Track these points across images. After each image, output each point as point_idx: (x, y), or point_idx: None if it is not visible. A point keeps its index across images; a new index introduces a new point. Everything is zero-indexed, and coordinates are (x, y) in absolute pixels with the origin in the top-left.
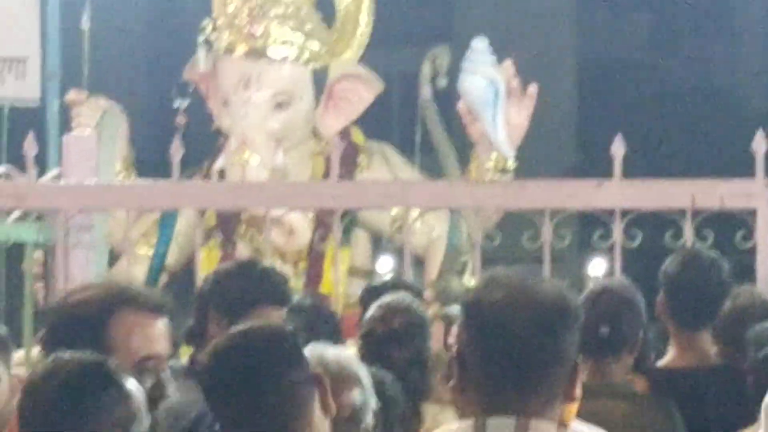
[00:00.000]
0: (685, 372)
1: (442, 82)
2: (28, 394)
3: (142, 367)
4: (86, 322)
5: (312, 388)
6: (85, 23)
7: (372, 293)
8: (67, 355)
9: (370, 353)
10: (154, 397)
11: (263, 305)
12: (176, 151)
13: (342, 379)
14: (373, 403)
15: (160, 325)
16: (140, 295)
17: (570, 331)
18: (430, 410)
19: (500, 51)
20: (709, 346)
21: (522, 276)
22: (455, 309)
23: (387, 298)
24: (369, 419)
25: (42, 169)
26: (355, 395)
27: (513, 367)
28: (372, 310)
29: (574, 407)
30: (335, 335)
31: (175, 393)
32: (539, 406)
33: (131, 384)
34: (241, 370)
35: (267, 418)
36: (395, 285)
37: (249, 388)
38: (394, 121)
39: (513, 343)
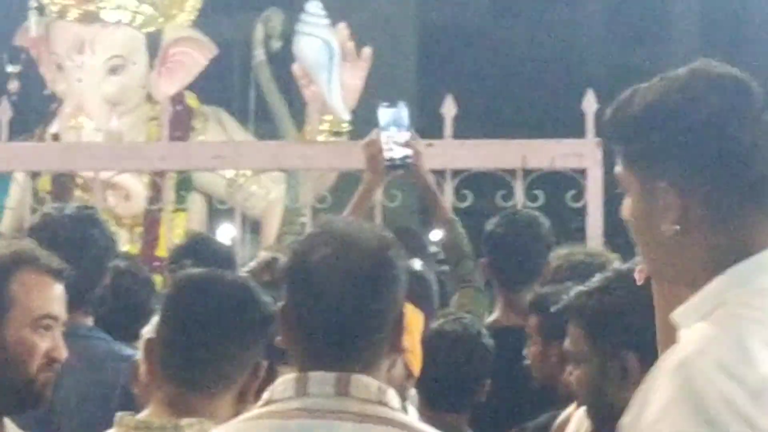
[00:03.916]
0: (506, 330)
1: (276, 45)
2: None
3: (39, 325)
4: None
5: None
6: None
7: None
8: None
9: None
10: (52, 357)
11: None
12: (4, 112)
13: None
14: None
15: (59, 288)
16: (42, 257)
17: (388, 286)
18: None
19: (336, 14)
20: None
21: (345, 230)
22: None
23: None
24: None
25: None
26: None
27: (331, 326)
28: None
29: (417, 358)
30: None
31: (70, 355)
32: (361, 361)
33: None
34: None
35: None
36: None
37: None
38: (230, 86)
39: (329, 302)
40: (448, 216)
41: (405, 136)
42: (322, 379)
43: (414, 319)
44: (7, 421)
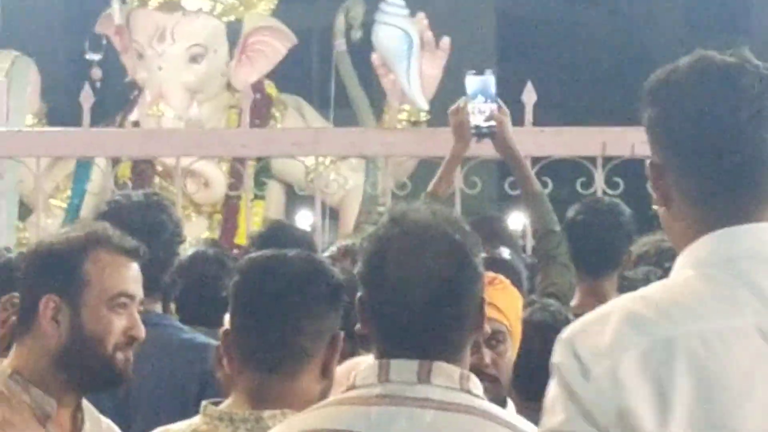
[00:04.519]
0: None
1: (356, 34)
2: None
3: (115, 303)
4: (63, 260)
5: None
6: None
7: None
8: None
9: None
10: (130, 335)
11: None
12: (86, 98)
13: None
14: None
15: (134, 267)
16: (115, 237)
17: (469, 274)
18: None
19: (414, 4)
20: (611, 291)
21: (420, 218)
22: None
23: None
24: None
25: None
26: None
27: (410, 317)
28: None
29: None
30: None
31: (146, 337)
32: (442, 349)
33: None
34: None
35: None
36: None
37: None
38: (310, 75)
39: (406, 293)
40: (535, 188)
41: (491, 105)
42: (403, 367)
43: (518, 302)
44: (86, 404)
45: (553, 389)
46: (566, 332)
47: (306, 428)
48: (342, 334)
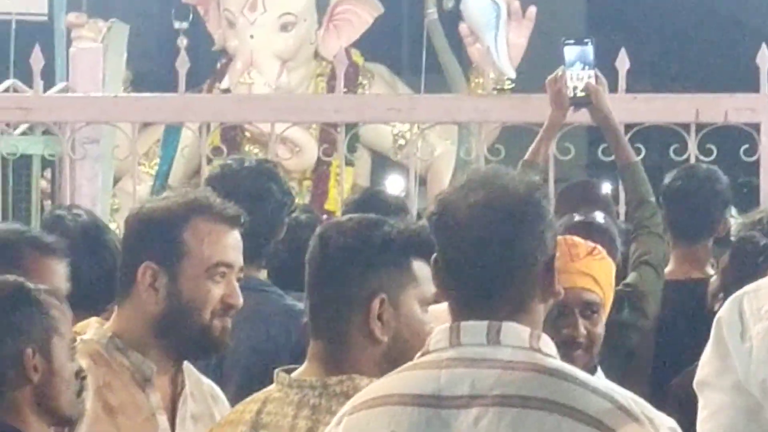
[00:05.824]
0: (682, 283)
1: (448, 3)
2: None
3: (214, 272)
4: (163, 228)
5: None
6: None
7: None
8: None
9: None
10: (227, 303)
11: None
12: (182, 63)
13: None
14: None
15: (234, 236)
16: (216, 205)
17: (535, 228)
18: None
19: None
20: (706, 258)
21: (491, 177)
22: None
23: None
24: None
25: (50, 83)
26: None
27: (478, 271)
28: None
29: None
30: None
31: (246, 303)
32: (511, 307)
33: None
34: None
35: None
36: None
37: None
38: (399, 43)
39: (474, 247)
40: (630, 158)
41: (589, 73)
42: (473, 329)
43: (613, 273)
44: (187, 366)
45: (710, 341)
46: (740, 290)
47: (381, 393)
48: (382, 297)
